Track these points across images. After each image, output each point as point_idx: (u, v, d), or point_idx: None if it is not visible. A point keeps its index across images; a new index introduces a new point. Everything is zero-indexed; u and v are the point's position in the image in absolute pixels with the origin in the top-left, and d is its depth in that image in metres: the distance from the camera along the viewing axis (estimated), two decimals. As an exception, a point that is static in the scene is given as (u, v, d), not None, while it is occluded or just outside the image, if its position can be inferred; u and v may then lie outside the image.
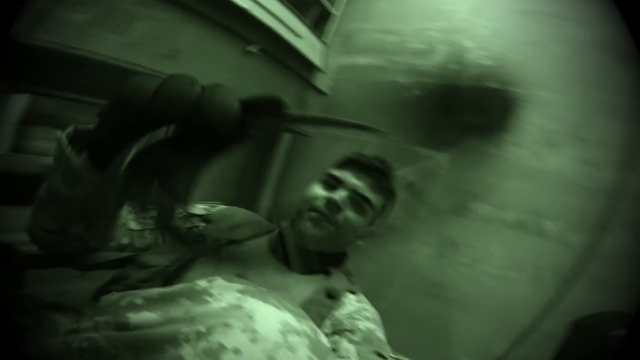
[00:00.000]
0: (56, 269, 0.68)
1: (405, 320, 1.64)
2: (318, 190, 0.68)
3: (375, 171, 0.70)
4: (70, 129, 0.44)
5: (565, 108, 1.58)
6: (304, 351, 0.41)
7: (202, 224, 0.72)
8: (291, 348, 0.40)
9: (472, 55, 1.84)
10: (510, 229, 1.58)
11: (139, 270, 0.58)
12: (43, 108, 1.12)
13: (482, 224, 1.64)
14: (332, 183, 0.69)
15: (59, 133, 0.43)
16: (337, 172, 0.70)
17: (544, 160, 1.58)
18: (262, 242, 0.73)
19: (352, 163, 0.71)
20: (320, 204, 0.66)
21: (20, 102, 1.05)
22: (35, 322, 0.49)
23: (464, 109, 1.78)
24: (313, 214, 0.66)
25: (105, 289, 0.55)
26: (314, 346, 0.42)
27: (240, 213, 0.80)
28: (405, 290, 1.71)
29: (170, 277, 0.58)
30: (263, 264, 0.67)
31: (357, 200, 0.68)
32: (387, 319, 0.71)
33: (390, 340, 0.64)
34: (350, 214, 0.68)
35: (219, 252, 0.65)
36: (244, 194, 1.84)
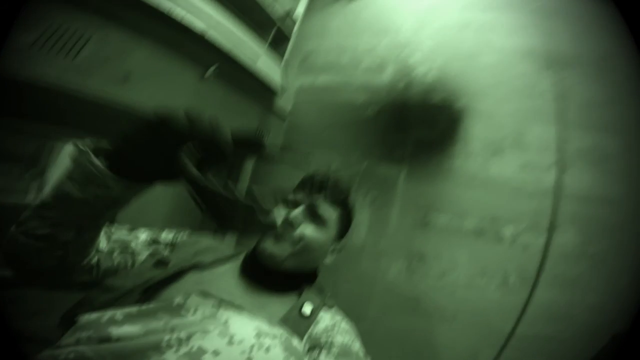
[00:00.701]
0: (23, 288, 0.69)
1: (388, 337, 1.62)
2: (277, 212, 0.72)
3: (327, 186, 0.74)
4: (87, 140, 0.52)
5: (503, 117, 1.73)
6: (278, 351, 0.46)
7: (167, 250, 0.75)
8: (266, 349, 0.45)
9: (418, 70, 1.97)
10: (472, 238, 1.64)
11: (104, 294, 0.58)
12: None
13: (445, 235, 1.68)
14: (290, 203, 0.74)
15: (77, 142, 0.52)
16: (294, 193, 0.75)
17: (492, 168, 1.69)
18: (232, 266, 0.73)
19: (306, 182, 0.76)
20: (277, 223, 0.69)
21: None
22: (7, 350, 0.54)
23: (415, 124, 1.87)
24: (271, 233, 0.70)
25: (71, 313, 0.55)
26: (288, 347, 0.47)
27: (207, 239, 0.82)
28: (383, 308, 1.68)
29: (137, 300, 0.58)
30: (234, 286, 0.67)
31: (312, 215, 0.72)
32: (369, 339, 0.72)
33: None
34: (308, 229, 0.71)
35: (185, 276, 0.66)
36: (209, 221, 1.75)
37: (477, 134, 1.75)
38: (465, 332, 1.53)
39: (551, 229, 1.53)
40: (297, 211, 0.71)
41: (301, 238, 0.70)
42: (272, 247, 0.68)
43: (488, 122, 1.74)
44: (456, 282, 1.59)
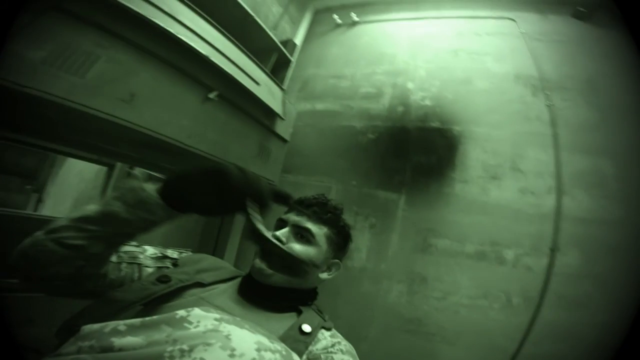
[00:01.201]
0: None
1: (388, 358, 1.57)
2: (267, 233, 0.73)
3: (313, 205, 0.77)
4: (140, 169, 0.58)
5: (499, 141, 1.76)
6: None
7: (171, 266, 0.76)
8: None
9: (415, 96, 2.03)
10: (473, 261, 1.63)
11: (105, 306, 0.60)
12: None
13: (446, 258, 1.68)
14: (280, 224, 0.77)
15: (134, 170, 0.57)
16: (283, 215, 0.78)
17: (490, 193, 1.71)
18: (231, 286, 0.74)
19: (295, 204, 0.78)
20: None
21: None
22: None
23: (413, 150, 1.91)
24: (260, 250, 0.72)
25: (71, 323, 0.56)
26: None
27: (208, 259, 0.83)
28: (383, 329, 1.64)
29: (138, 314, 0.60)
30: (233, 305, 0.68)
31: (299, 232, 0.74)
32: (370, 359, 0.70)
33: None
34: (295, 246, 0.73)
35: (186, 293, 0.67)
36: (208, 242, 1.74)
37: (475, 159, 1.78)
38: (469, 352, 1.49)
39: (553, 250, 1.53)
40: (284, 230, 0.74)
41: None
42: (261, 263, 0.70)
43: (485, 147, 1.78)
44: (458, 304, 1.57)
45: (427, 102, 1.98)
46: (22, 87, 0.92)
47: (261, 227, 0.59)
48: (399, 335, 1.61)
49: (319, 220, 0.76)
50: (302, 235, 0.74)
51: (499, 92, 1.85)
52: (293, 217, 0.75)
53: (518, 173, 1.70)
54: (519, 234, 1.61)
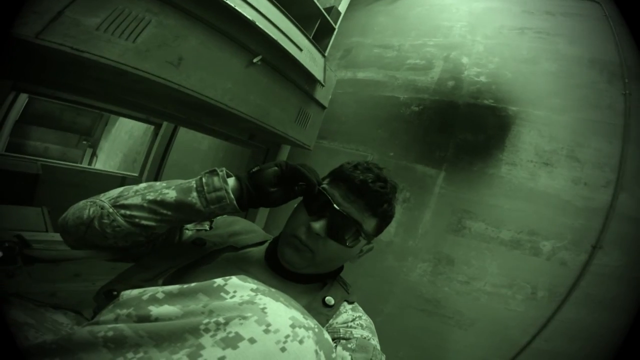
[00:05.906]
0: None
1: (400, 335, 1.64)
2: (303, 216, 0.66)
3: (368, 193, 0.65)
4: (224, 169, 0.63)
5: (559, 127, 1.61)
6: (310, 343, 0.45)
7: (208, 229, 0.77)
8: (300, 340, 0.44)
9: (468, 71, 1.89)
10: (506, 248, 1.59)
11: (143, 271, 0.62)
12: (42, 108, 1.11)
13: (478, 242, 1.64)
14: (320, 203, 0.65)
15: (220, 169, 0.62)
16: (326, 187, 0.66)
17: (540, 180, 1.61)
18: (260, 251, 0.74)
19: (344, 180, 0.66)
20: (301, 233, 0.65)
21: (19, 102, 1.03)
22: (37, 320, 0.53)
23: (460, 126, 1.81)
24: (294, 240, 0.65)
25: (109, 288, 0.58)
26: (319, 340, 0.46)
27: (240, 222, 0.82)
28: (400, 306, 1.69)
29: (172, 278, 0.62)
30: (260, 271, 0.68)
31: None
32: (381, 334, 0.69)
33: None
34: (333, 245, 0.65)
35: (219, 257, 0.68)
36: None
37: (528, 142, 1.66)
38: (479, 340, 1.52)
39: (595, 248, 1.45)
40: (323, 224, 0.64)
41: (325, 249, 0.65)
42: (292, 255, 0.65)
43: (542, 132, 1.64)
44: (481, 290, 1.57)
45: (482, 79, 1.83)
46: (80, 52, 0.98)
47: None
48: (415, 314, 1.65)
49: (371, 213, 0.66)
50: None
51: (567, 76, 1.66)
52: (342, 203, 0.64)
53: (574, 162, 1.57)
54: (561, 226, 1.53)
